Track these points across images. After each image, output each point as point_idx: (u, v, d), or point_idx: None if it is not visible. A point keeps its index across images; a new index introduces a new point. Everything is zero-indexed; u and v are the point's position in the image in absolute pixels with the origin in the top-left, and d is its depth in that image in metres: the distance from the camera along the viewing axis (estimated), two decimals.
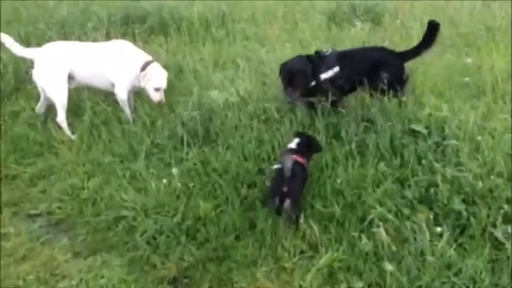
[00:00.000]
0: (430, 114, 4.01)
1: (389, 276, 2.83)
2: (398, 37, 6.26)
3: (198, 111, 4.41)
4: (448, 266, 2.86)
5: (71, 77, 4.63)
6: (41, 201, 3.87)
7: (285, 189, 3.21)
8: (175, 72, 5.39)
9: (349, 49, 4.76)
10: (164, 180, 3.77)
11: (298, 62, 4.29)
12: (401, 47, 5.60)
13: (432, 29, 4.29)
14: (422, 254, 2.94)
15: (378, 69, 4.18)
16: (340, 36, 6.61)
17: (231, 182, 3.71)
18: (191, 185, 3.70)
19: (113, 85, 4.64)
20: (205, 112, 4.44)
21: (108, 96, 4.84)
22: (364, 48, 4.80)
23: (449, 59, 5.56)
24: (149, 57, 4.72)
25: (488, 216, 3.08)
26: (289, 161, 3.27)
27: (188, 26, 7.01)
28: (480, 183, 3.25)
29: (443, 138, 3.77)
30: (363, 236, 3.11)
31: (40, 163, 4.29)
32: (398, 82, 4.18)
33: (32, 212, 3.76)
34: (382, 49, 4.56)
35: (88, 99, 4.68)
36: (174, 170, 3.78)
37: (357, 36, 6.60)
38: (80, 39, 6.32)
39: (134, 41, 6.38)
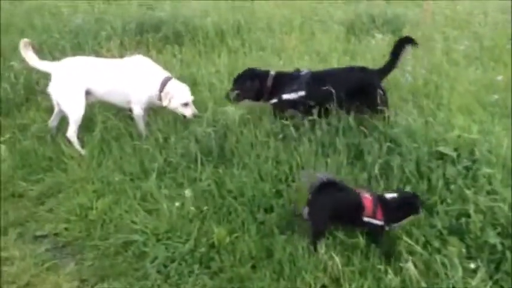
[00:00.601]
0: (459, 136, 3.78)
1: None
2: (420, 49, 6.04)
3: (212, 128, 4.23)
4: None
5: (88, 93, 4.49)
6: (47, 221, 3.69)
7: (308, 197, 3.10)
8: (190, 85, 5.20)
9: (326, 69, 4.67)
10: (176, 203, 3.59)
11: (253, 73, 4.43)
12: (423, 59, 5.42)
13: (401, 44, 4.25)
14: None
15: (355, 90, 4.08)
16: (360, 48, 6.41)
17: (247, 205, 3.53)
18: (205, 208, 3.51)
19: (130, 102, 4.52)
20: (220, 128, 4.25)
21: (120, 110, 4.68)
22: (342, 68, 4.64)
23: (475, 73, 5.32)
24: (167, 74, 4.58)
25: None
26: (322, 176, 3.15)
27: (203, 36, 6.85)
28: None
29: (473, 162, 3.54)
30: (389, 270, 2.89)
31: (48, 180, 4.12)
32: (378, 101, 4.05)
33: (38, 233, 3.58)
34: (359, 69, 4.37)
35: (99, 114, 4.52)
36: (187, 192, 3.60)
37: (376, 47, 6.39)
38: (93, 48, 6.22)
39: (148, 50, 6.32)
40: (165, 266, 3.14)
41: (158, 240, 3.32)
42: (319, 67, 4.96)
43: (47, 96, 4.97)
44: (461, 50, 5.94)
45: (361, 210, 3.06)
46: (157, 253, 3.20)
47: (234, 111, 4.36)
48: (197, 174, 3.86)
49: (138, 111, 4.50)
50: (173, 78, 4.54)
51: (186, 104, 4.42)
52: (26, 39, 4.51)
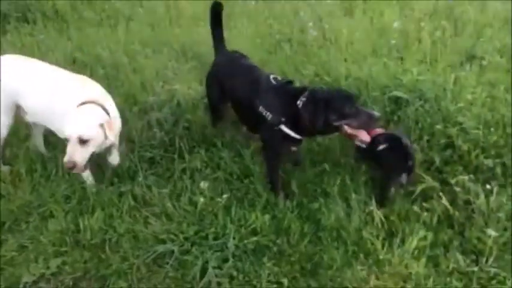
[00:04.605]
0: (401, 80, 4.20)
1: None
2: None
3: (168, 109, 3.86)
4: None
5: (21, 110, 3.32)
6: (26, 261, 2.87)
7: (410, 163, 3.08)
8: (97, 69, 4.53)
9: None
10: (182, 199, 3.21)
11: None
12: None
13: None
14: None
15: None
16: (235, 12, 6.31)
17: (255, 183, 3.36)
18: (224, 196, 3.19)
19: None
20: (176, 110, 3.90)
21: None
22: None
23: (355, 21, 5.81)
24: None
25: None
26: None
27: (55, 11, 5.95)
28: None
29: (425, 101, 3.99)
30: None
31: None
32: None
33: (25, 279, 2.76)
34: None
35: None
36: (203, 184, 3.22)
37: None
38: None
39: None
40: (220, 268, 2.82)
41: (193, 243, 2.93)
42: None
43: None
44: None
45: None
46: (205, 257, 2.84)
47: (181, 89, 4.01)
48: (186, 164, 3.48)
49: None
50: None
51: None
52: None
